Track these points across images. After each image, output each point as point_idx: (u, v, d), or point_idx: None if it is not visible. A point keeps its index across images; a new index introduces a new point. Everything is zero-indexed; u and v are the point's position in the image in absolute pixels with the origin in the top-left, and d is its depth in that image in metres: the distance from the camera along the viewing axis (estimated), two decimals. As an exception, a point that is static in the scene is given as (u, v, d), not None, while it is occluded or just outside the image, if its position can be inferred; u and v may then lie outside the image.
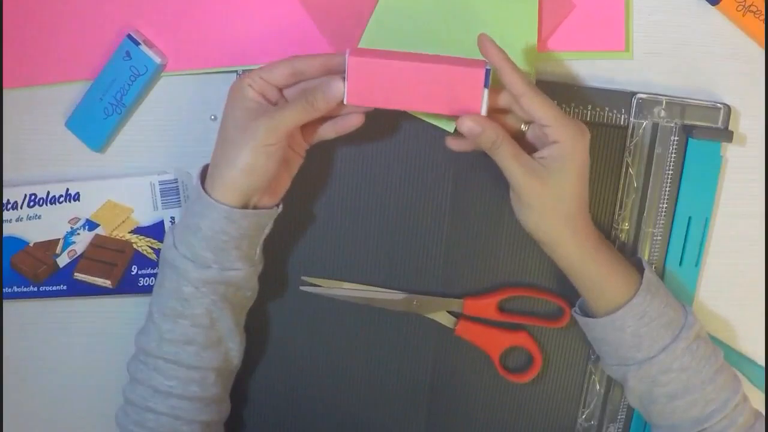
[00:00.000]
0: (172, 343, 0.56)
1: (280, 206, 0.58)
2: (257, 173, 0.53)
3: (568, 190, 0.53)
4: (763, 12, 0.59)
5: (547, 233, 0.54)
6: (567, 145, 0.52)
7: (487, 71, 0.51)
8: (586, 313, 0.59)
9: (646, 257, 0.63)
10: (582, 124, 0.53)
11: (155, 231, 0.64)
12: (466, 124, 0.52)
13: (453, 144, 0.57)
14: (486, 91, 0.51)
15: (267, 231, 0.57)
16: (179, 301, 0.55)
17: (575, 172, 0.52)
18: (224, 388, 0.60)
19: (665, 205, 0.62)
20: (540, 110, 0.51)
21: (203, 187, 0.54)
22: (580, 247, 0.55)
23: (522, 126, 0.55)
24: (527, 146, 0.54)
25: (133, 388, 0.57)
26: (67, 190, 0.63)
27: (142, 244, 0.64)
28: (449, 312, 0.64)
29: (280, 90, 0.55)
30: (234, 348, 0.59)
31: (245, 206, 0.54)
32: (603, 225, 0.63)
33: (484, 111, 0.52)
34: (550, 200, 0.53)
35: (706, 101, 0.61)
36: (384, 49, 0.54)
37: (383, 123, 0.60)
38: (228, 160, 0.52)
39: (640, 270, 0.57)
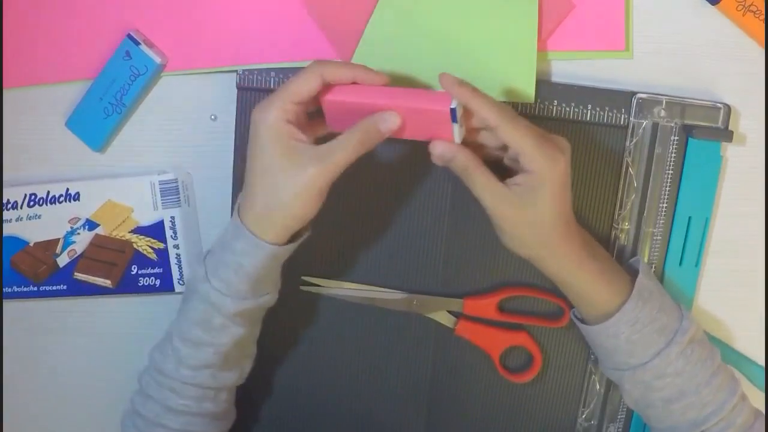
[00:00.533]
0: (191, 368, 0.56)
1: (310, 229, 0.57)
2: (308, 217, 0.52)
3: (543, 216, 0.52)
4: (763, 12, 0.59)
5: (524, 252, 0.55)
6: (540, 175, 0.51)
7: (453, 110, 0.51)
8: (582, 319, 0.59)
9: (646, 257, 0.63)
10: (560, 146, 0.52)
11: (155, 231, 0.64)
12: (437, 150, 0.52)
13: (434, 160, 0.56)
14: (455, 125, 0.51)
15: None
16: (206, 332, 0.55)
17: (550, 198, 0.52)
18: (232, 401, 0.61)
19: (665, 205, 0.62)
20: (513, 141, 0.50)
21: (246, 227, 0.53)
22: (560, 263, 0.54)
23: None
24: (509, 162, 0.54)
25: (143, 403, 0.57)
26: (67, 190, 0.63)
27: (142, 243, 0.64)
28: (449, 312, 0.64)
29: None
30: (249, 365, 0.60)
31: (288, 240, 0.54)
32: (603, 225, 0.63)
33: (458, 140, 0.52)
34: (523, 226, 0.53)
35: (706, 101, 0.61)
36: (359, 85, 0.54)
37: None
38: (282, 208, 0.51)
39: (635, 275, 0.57)
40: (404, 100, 0.52)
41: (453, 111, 0.51)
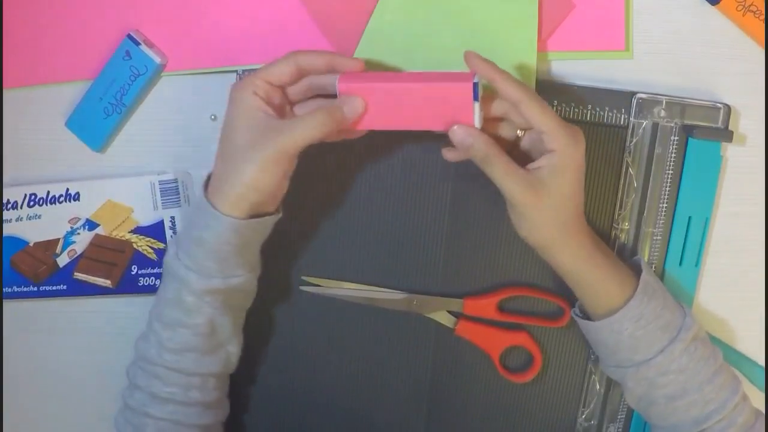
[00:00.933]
0: (173, 352, 0.56)
1: (280, 211, 0.57)
2: (266, 189, 0.52)
3: (563, 199, 0.52)
4: (763, 12, 0.59)
5: (541, 240, 0.54)
6: (562, 154, 0.51)
7: (475, 84, 0.50)
8: (585, 315, 0.59)
9: (645, 257, 0.63)
10: (578, 130, 0.53)
11: (155, 231, 0.64)
12: (458, 135, 0.52)
13: (449, 155, 0.56)
14: (477, 105, 0.51)
15: (266, 235, 0.57)
16: (181, 311, 0.55)
17: (570, 181, 0.52)
18: (223, 390, 0.60)
19: (665, 205, 0.62)
20: (537, 117, 0.51)
21: (206, 198, 0.53)
22: (574, 252, 0.55)
23: (518, 132, 0.55)
24: (522, 155, 0.54)
25: (131, 394, 0.57)
26: (67, 190, 0.63)
27: (142, 243, 0.64)
28: (449, 312, 0.64)
29: (283, 89, 0.55)
30: (234, 352, 0.59)
31: (249, 216, 0.54)
32: (603, 225, 0.63)
33: (477, 124, 0.52)
34: (544, 210, 0.52)
35: (706, 101, 0.61)
36: (376, 67, 0.54)
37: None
38: (236, 175, 0.51)
39: (638, 272, 0.57)
40: (424, 79, 0.52)
41: (475, 86, 0.50)
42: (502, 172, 0.51)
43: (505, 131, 0.55)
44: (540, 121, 0.51)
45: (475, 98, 0.50)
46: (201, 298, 0.55)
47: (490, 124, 0.54)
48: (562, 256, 0.55)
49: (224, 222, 0.52)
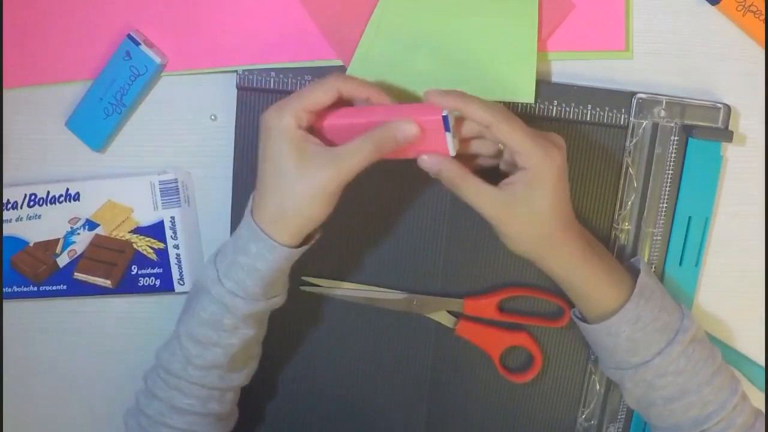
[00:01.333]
0: (199, 368, 0.56)
1: (320, 230, 0.57)
2: (321, 219, 0.53)
3: (541, 213, 0.52)
4: (763, 12, 0.59)
5: (525, 253, 0.55)
6: (536, 170, 0.51)
7: (445, 117, 0.51)
8: (583, 318, 0.59)
9: (646, 257, 0.63)
10: (552, 144, 0.52)
11: (155, 231, 0.64)
12: (426, 163, 0.53)
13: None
14: (449, 135, 0.52)
15: None
16: (217, 332, 0.55)
17: (546, 194, 0.52)
18: (237, 400, 0.61)
19: (665, 205, 0.62)
20: (507, 138, 0.51)
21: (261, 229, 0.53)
22: (563, 262, 0.55)
23: (500, 145, 0.55)
24: (507, 166, 0.55)
25: (149, 403, 0.57)
26: (67, 190, 0.63)
27: (142, 244, 0.64)
28: (449, 312, 0.64)
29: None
30: (254, 366, 0.60)
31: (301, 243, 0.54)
32: (603, 225, 0.63)
33: (452, 152, 0.52)
34: (521, 225, 0.53)
35: (706, 101, 0.61)
36: (349, 107, 0.55)
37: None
38: (297, 210, 0.51)
39: (636, 274, 0.57)
40: (396, 114, 0.52)
41: (445, 119, 0.51)
42: (471, 193, 0.53)
43: (485, 147, 0.55)
44: (510, 142, 0.51)
45: (446, 129, 0.51)
46: (243, 321, 0.55)
47: (465, 144, 0.55)
48: (550, 267, 0.55)
49: (282, 253, 0.52)
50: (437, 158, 0.52)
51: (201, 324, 0.55)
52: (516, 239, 0.54)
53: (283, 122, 0.51)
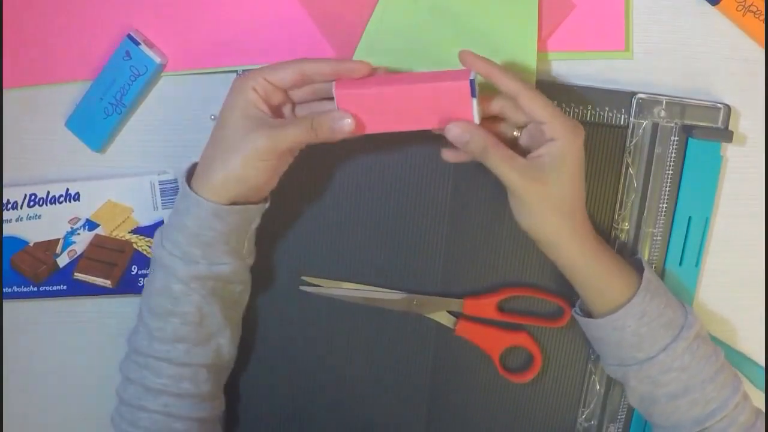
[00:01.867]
0: (163, 341, 0.56)
1: (268, 201, 0.58)
2: (248, 182, 0.53)
3: (567, 187, 0.53)
4: (763, 12, 0.59)
5: (548, 233, 0.54)
6: (564, 142, 0.52)
7: (472, 82, 0.50)
8: (586, 313, 0.59)
9: (646, 257, 0.63)
10: (577, 122, 0.53)
11: (155, 231, 0.64)
12: (453, 132, 0.52)
13: (449, 156, 0.57)
14: (475, 101, 0.51)
15: (255, 225, 0.57)
16: (169, 299, 0.55)
17: (572, 169, 0.52)
18: (217, 384, 0.60)
19: (665, 205, 0.62)
20: (537, 108, 0.51)
21: (189, 184, 0.54)
22: (581, 245, 0.55)
23: (515, 132, 0.55)
24: (520, 152, 0.54)
25: (125, 388, 0.57)
26: (67, 190, 0.63)
27: (142, 244, 0.64)
28: (449, 312, 0.64)
29: (285, 91, 0.55)
30: (225, 344, 0.59)
31: (232, 203, 0.54)
32: (603, 225, 0.63)
33: (477, 120, 0.52)
34: (547, 199, 0.53)
35: (706, 101, 0.61)
36: (373, 71, 0.54)
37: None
38: (221, 163, 0.53)
39: (640, 270, 0.57)
40: (421, 80, 0.52)
41: (472, 83, 0.50)
42: (501, 161, 0.52)
43: (502, 131, 0.55)
44: (539, 112, 0.51)
45: (473, 95, 0.51)
46: (187, 285, 0.55)
47: (486, 123, 0.54)
48: (569, 250, 0.55)
49: (206, 207, 0.53)
50: (467, 125, 0.51)
51: (156, 294, 0.56)
52: (541, 213, 0.53)
53: (242, 85, 0.53)
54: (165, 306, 0.56)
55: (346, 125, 0.53)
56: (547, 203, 0.53)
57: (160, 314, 0.56)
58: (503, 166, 0.52)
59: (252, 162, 0.52)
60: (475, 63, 0.52)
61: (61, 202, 0.63)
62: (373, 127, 0.54)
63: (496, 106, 0.54)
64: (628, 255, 0.63)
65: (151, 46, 0.60)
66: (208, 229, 0.54)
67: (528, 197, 0.52)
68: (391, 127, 0.53)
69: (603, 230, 0.63)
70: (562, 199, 0.53)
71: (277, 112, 0.55)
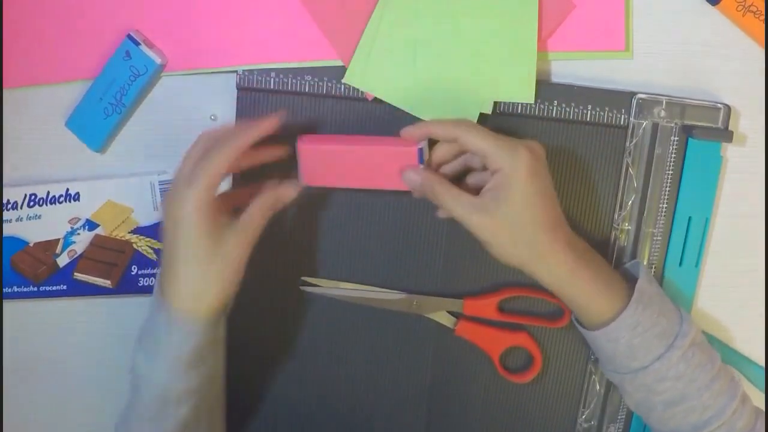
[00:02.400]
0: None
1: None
2: (237, 284, 0.54)
3: (522, 215, 0.52)
4: (763, 12, 0.59)
5: (512, 263, 0.54)
6: (506, 170, 0.51)
7: (420, 150, 0.54)
8: (581, 323, 0.59)
9: (646, 258, 0.63)
10: (520, 144, 0.52)
11: (155, 231, 0.64)
12: (407, 177, 0.55)
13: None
14: (422, 167, 0.55)
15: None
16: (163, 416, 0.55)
17: (524, 194, 0.52)
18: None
19: (665, 205, 0.62)
20: (475, 144, 0.52)
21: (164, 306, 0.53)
22: (552, 270, 0.54)
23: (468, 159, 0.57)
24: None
25: None
26: (67, 190, 0.63)
27: (142, 244, 0.64)
28: (449, 312, 0.64)
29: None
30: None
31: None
32: (603, 225, 0.63)
33: None
34: (503, 232, 0.53)
35: (706, 101, 0.61)
36: (331, 134, 0.60)
37: (383, 123, 0.60)
38: (212, 285, 0.52)
39: (632, 279, 0.56)
40: (376, 143, 0.56)
41: (420, 151, 0.54)
42: (450, 199, 0.53)
43: (451, 168, 0.57)
44: (479, 146, 0.52)
45: (420, 161, 0.55)
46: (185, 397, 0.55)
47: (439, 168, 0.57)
48: (540, 274, 0.55)
49: (205, 334, 0.54)
50: (417, 170, 0.55)
51: (144, 421, 0.56)
52: (500, 246, 0.53)
53: (186, 211, 0.51)
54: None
55: (291, 191, 0.55)
56: (501, 235, 0.53)
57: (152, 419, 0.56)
58: (452, 203, 0.53)
59: (240, 268, 0.53)
60: (414, 134, 0.54)
61: (61, 202, 0.63)
62: (333, 181, 0.58)
63: (443, 153, 0.56)
64: (628, 256, 0.63)
65: (151, 46, 0.60)
66: (204, 349, 0.54)
67: (479, 233, 0.53)
68: (348, 183, 0.58)
69: (603, 231, 0.63)
70: (519, 227, 0.52)
71: (224, 201, 0.55)
